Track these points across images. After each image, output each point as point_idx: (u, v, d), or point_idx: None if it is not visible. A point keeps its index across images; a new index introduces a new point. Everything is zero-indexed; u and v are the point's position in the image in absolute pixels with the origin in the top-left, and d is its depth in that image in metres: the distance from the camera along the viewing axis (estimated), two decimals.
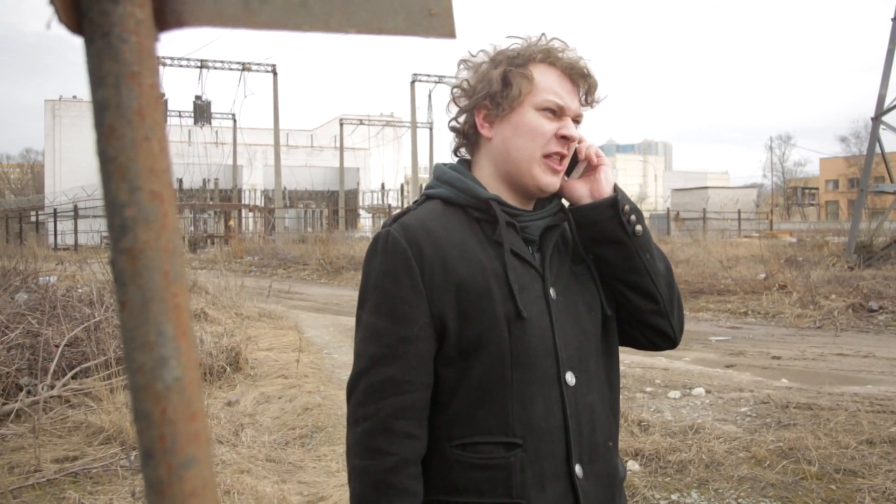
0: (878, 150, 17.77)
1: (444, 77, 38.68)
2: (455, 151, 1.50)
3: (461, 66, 1.47)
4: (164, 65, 35.40)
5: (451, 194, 1.42)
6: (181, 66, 35.93)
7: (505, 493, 1.32)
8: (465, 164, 1.48)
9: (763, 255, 15.86)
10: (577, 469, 1.36)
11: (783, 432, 4.99)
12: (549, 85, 1.40)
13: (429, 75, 38.77)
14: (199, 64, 35.77)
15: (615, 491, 1.44)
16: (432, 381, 1.36)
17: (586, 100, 1.44)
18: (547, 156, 1.39)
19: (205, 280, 11.09)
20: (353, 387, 1.36)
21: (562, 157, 1.41)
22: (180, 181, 45.67)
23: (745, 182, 79.30)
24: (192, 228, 35.34)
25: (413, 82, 38.62)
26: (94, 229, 26.48)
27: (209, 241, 34.23)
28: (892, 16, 17.37)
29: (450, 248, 1.35)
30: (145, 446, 0.47)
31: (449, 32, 0.61)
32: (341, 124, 48.03)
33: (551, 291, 1.39)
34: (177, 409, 0.47)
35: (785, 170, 76.95)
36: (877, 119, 17.35)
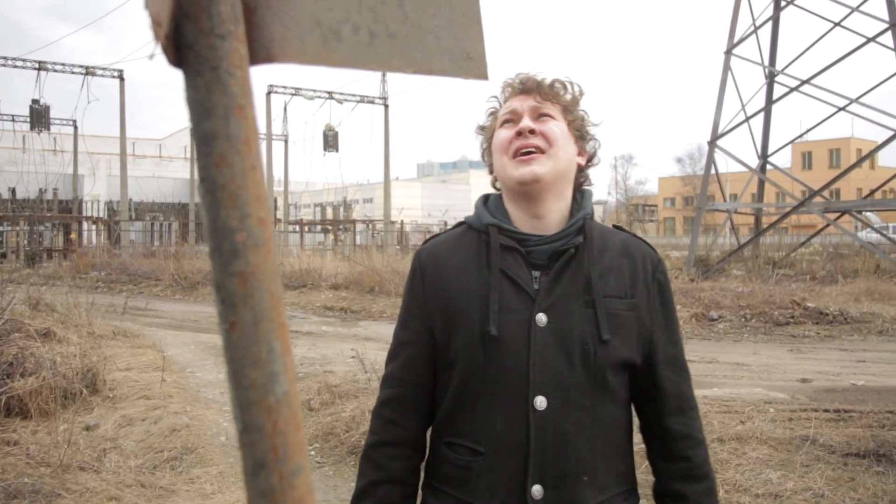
0: (712, 170, 19.28)
1: (300, 89, 38.17)
2: (493, 185, 1.67)
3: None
4: None
5: (473, 220, 1.56)
6: (16, 66, 33.46)
7: (466, 493, 1.43)
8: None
9: None
10: (536, 489, 1.39)
11: None
12: (506, 106, 1.57)
13: (285, 87, 38.13)
14: (36, 65, 33.44)
15: None
16: (425, 381, 1.54)
17: (543, 95, 1.52)
18: (515, 156, 1.49)
19: (51, 297, 10.38)
20: None
21: (528, 148, 1.47)
22: (13, 191, 42.38)
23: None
24: (28, 242, 32.82)
25: (269, 94, 37.87)
26: None
27: (48, 255, 31.93)
28: (725, 49, 18.96)
29: (448, 269, 1.51)
30: (257, 457, 0.49)
31: (482, 74, 0.67)
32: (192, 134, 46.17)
33: (540, 316, 1.42)
34: (287, 421, 0.50)
35: (627, 188, 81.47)
36: (712, 143, 18.83)
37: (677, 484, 1.49)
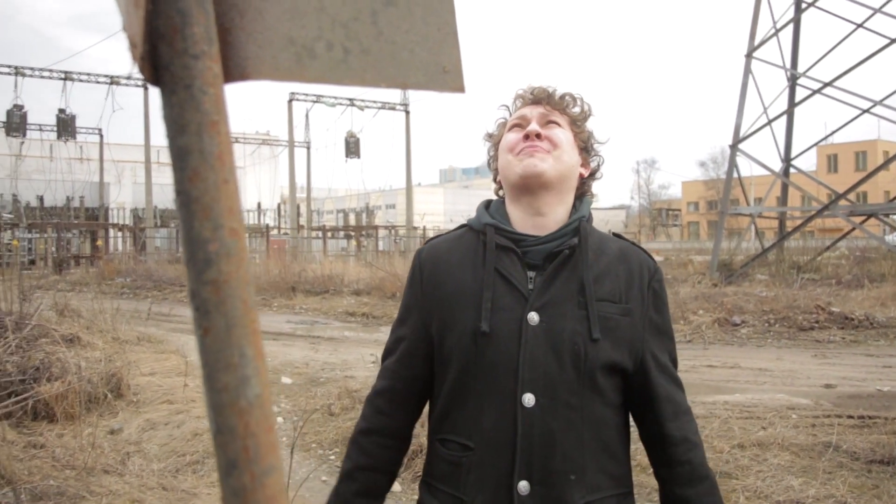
0: (735, 174, 19.12)
1: (321, 97, 38.39)
2: (496, 193, 1.69)
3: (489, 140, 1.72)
4: (24, 75, 33.43)
5: (473, 221, 1.61)
6: (43, 77, 34.03)
7: (456, 488, 1.47)
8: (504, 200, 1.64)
9: None
10: (522, 485, 1.41)
11: None
12: (515, 114, 1.61)
13: (306, 94, 38.30)
14: (63, 76, 33.98)
15: None
16: (418, 375, 1.59)
17: (552, 105, 1.59)
18: (518, 154, 1.53)
19: (77, 303, 10.53)
20: None
21: (533, 146, 1.52)
22: (41, 199, 43.09)
23: (614, 204, 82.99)
24: (56, 249, 33.33)
25: (290, 101, 38.11)
26: None
27: (75, 261, 32.40)
28: (746, 52, 18.82)
29: (446, 267, 1.56)
30: (229, 457, 0.52)
31: (459, 88, 0.69)
32: None
33: (532, 315, 1.44)
34: (258, 423, 0.52)
35: (650, 192, 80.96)
36: (734, 146, 18.68)
37: (681, 488, 1.49)
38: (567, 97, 1.61)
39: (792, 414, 6.01)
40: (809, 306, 11.93)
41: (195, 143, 0.52)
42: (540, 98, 1.59)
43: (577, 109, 1.61)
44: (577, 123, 1.60)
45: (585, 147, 1.61)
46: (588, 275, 1.46)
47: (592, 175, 1.65)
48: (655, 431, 1.52)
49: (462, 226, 1.66)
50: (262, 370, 0.53)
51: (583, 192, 1.62)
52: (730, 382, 7.72)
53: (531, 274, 1.48)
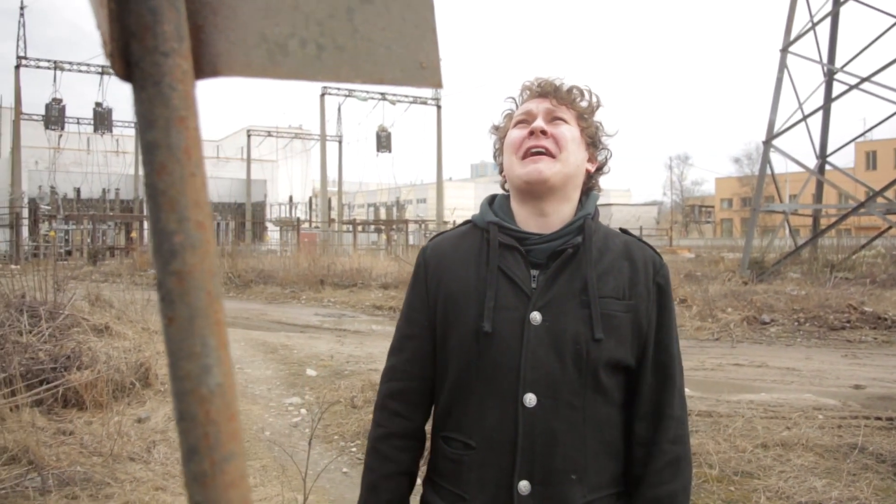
0: (768, 171, 18.85)
1: (353, 91, 38.57)
2: (503, 187, 1.68)
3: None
4: (63, 69, 34.04)
5: (477, 218, 1.60)
6: (81, 71, 34.63)
7: (459, 486, 1.47)
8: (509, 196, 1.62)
9: None
10: (523, 485, 1.41)
11: None
12: (521, 107, 1.58)
13: (338, 88, 38.55)
14: (100, 70, 34.55)
15: None
16: (429, 374, 1.57)
17: (559, 99, 1.56)
18: (525, 156, 1.51)
19: (109, 294, 10.72)
20: None
21: (538, 148, 1.49)
22: (78, 191, 43.87)
23: (646, 200, 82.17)
24: (91, 240, 33.94)
25: (323, 95, 38.42)
26: None
27: (109, 253, 32.98)
28: (781, 47, 18.53)
29: (450, 265, 1.54)
30: (190, 444, 0.53)
31: (436, 83, 0.69)
32: (249, 135, 47.25)
33: (535, 315, 1.43)
34: (219, 411, 0.53)
35: (683, 188, 80.00)
36: (767, 143, 18.41)
37: (632, 487, 1.50)
38: (574, 90, 1.58)
39: (818, 414, 5.93)
40: (841, 305, 11.74)
41: (163, 138, 0.54)
42: (546, 91, 1.56)
43: (584, 103, 1.58)
44: (585, 117, 1.57)
45: (593, 142, 1.59)
46: (591, 273, 1.45)
47: (600, 170, 1.63)
48: (631, 428, 1.51)
49: (467, 222, 1.64)
50: (224, 360, 0.54)
51: (589, 187, 1.61)
52: (756, 381, 7.63)
53: (534, 272, 1.47)
